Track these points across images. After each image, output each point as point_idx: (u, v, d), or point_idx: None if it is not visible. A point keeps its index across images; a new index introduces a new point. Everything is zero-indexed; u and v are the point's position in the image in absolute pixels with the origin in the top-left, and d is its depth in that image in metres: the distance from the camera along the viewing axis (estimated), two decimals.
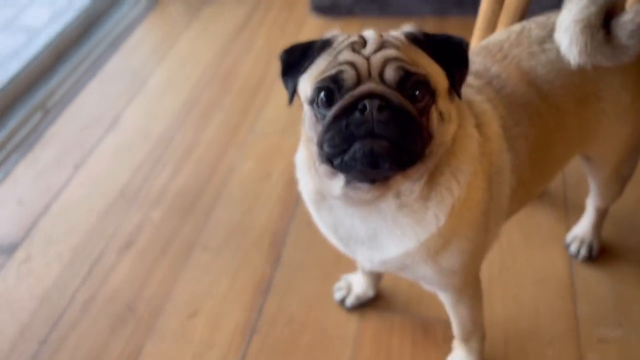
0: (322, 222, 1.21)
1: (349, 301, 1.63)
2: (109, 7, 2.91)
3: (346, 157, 0.98)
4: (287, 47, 1.10)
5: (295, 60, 1.08)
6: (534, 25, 1.33)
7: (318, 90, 1.00)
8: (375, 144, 0.95)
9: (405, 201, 1.07)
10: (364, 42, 1.02)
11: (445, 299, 1.32)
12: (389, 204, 1.07)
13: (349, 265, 1.71)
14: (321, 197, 1.16)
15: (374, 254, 1.16)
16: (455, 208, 1.08)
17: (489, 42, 1.34)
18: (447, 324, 1.51)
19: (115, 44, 2.75)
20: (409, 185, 1.06)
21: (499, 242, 1.71)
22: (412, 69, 0.98)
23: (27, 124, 2.31)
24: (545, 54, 1.27)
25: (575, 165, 1.83)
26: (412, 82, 0.98)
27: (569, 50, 1.23)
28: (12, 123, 2.29)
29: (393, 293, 1.67)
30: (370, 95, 0.96)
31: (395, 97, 0.97)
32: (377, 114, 0.95)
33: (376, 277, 1.63)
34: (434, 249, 1.11)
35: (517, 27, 1.35)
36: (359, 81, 0.99)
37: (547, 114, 1.26)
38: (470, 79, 1.22)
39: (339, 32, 1.08)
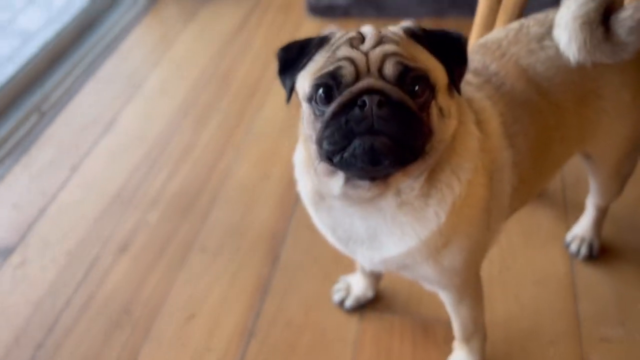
0: (321, 223, 1.20)
1: (348, 302, 1.62)
2: (105, 10, 2.90)
3: (346, 155, 0.96)
4: (285, 45, 1.09)
5: (292, 57, 1.07)
6: (532, 22, 1.32)
7: (316, 87, 0.99)
8: (376, 140, 0.94)
9: (405, 199, 1.06)
10: (362, 38, 1.01)
11: (447, 299, 1.30)
12: (389, 202, 1.06)
13: (348, 266, 1.70)
14: (320, 197, 1.15)
15: (374, 254, 1.14)
16: (456, 205, 1.07)
17: (487, 40, 1.33)
18: (447, 325, 1.50)
19: (111, 47, 2.73)
20: (409, 183, 1.04)
21: (498, 243, 1.70)
22: (412, 64, 0.97)
23: (22, 127, 2.30)
24: (544, 51, 1.26)
25: (574, 165, 1.83)
26: (411, 77, 0.97)
27: (568, 47, 1.22)
28: (7, 126, 2.27)
29: (392, 294, 1.66)
30: (370, 90, 0.95)
31: (395, 92, 0.95)
32: (376, 109, 0.94)
33: (375, 278, 1.61)
34: (435, 247, 1.10)
35: (515, 24, 1.34)
36: (357, 77, 0.97)
37: (547, 111, 1.25)
38: (469, 77, 1.21)
39: (336, 28, 1.07)
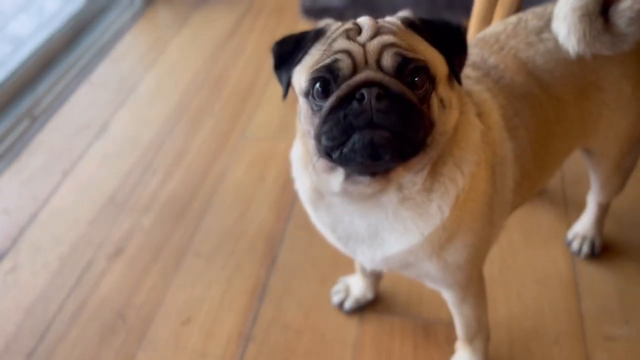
0: (320, 222, 1.17)
1: (348, 304, 1.59)
2: (97, 14, 2.87)
3: (345, 150, 0.94)
4: (280, 39, 1.07)
5: (288, 51, 1.04)
6: (530, 15, 1.31)
7: (313, 81, 0.97)
8: (376, 134, 0.92)
9: (407, 194, 1.03)
10: (358, 29, 0.99)
11: (449, 298, 1.27)
12: (390, 197, 1.03)
13: (347, 268, 1.67)
14: (319, 195, 1.12)
15: (375, 252, 1.11)
16: (460, 199, 1.04)
17: (486, 34, 1.32)
18: (448, 325, 1.47)
19: (103, 51, 2.71)
20: (410, 177, 1.02)
21: (498, 242, 1.67)
22: (411, 54, 0.95)
23: (13, 131, 2.26)
24: (544, 43, 1.25)
25: (574, 163, 1.81)
26: (411, 69, 0.94)
27: (568, 39, 1.21)
28: None
29: (392, 295, 1.63)
30: (368, 83, 0.92)
31: (394, 84, 0.93)
32: (375, 102, 0.91)
33: (375, 279, 1.58)
34: (439, 243, 1.07)
35: (513, 18, 1.33)
36: (355, 70, 0.95)
37: (547, 104, 1.23)
38: (468, 70, 1.19)
39: (332, 20, 1.04)
